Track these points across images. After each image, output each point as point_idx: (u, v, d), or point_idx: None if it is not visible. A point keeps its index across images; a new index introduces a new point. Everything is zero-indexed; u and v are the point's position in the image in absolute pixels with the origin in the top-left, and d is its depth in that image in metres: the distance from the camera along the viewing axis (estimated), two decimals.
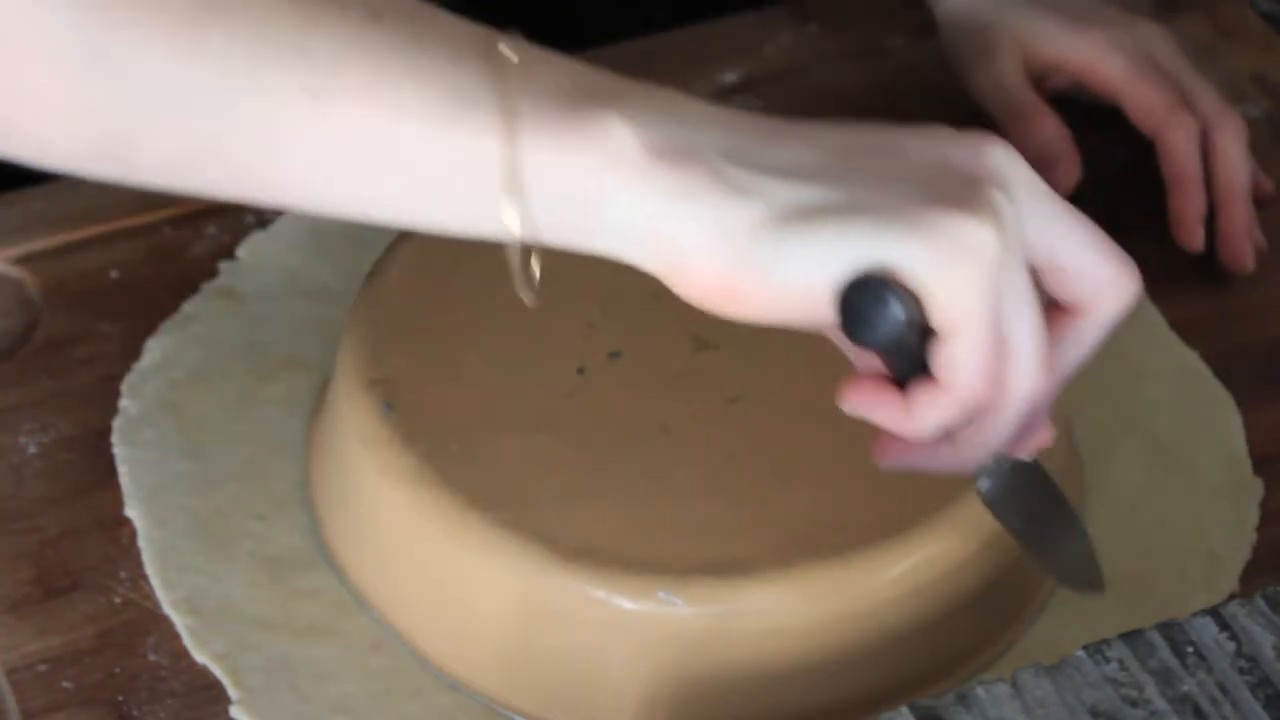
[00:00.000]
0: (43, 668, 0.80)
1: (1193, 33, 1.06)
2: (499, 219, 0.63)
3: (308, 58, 0.62)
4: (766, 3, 1.08)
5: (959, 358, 0.64)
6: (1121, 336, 0.91)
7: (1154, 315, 0.93)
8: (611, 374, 0.82)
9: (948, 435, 0.67)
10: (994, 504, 0.72)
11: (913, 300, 0.64)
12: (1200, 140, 0.94)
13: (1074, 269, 0.67)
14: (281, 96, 0.62)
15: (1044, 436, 0.70)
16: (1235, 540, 0.85)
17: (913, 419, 0.66)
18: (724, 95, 1.03)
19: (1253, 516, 0.86)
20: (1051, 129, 0.95)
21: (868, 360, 0.68)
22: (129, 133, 0.63)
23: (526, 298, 0.65)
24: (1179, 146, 0.93)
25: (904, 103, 1.03)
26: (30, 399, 0.89)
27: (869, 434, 0.80)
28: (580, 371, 0.82)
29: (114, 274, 0.94)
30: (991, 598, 0.80)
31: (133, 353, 0.90)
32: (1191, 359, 0.91)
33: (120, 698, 0.79)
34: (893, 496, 0.78)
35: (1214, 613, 0.73)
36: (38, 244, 0.94)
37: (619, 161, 0.62)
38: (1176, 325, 0.93)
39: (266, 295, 0.92)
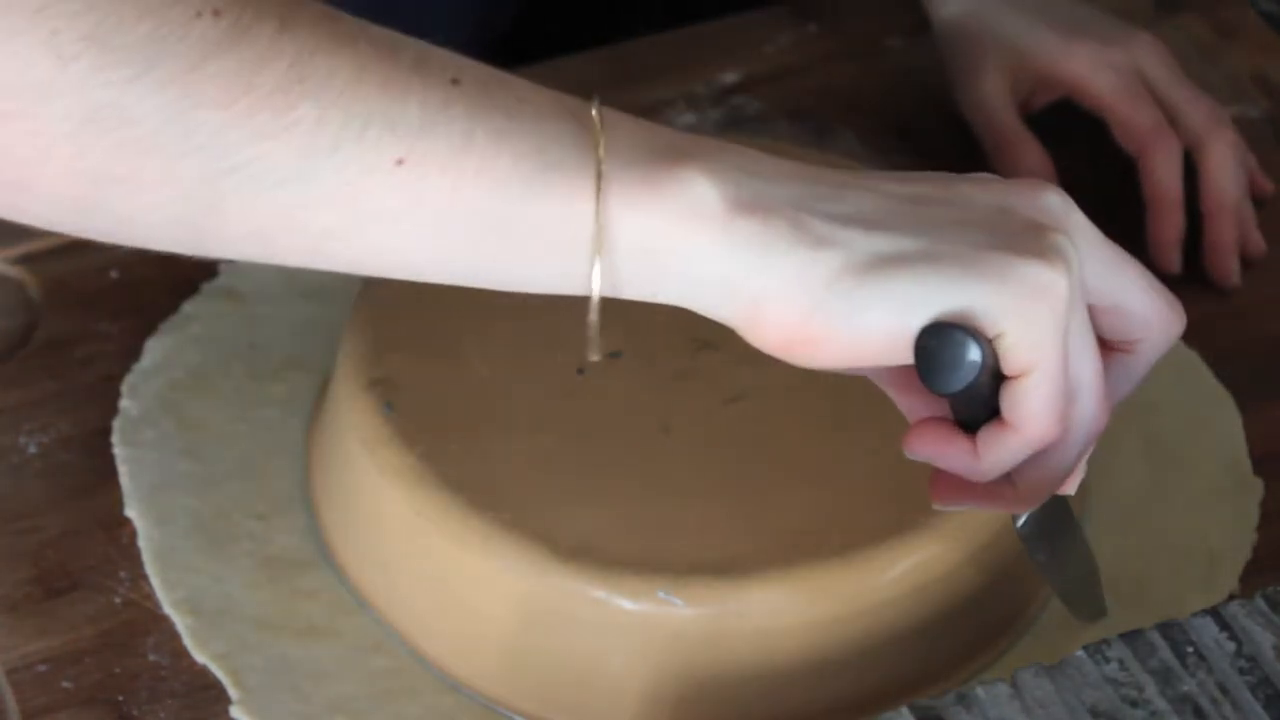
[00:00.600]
0: (43, 668, 0.80)
1: (1193, 33, 1.06)
2: (581, 276, 0.64)
3: (394, 127, 0.62)
4: (766, 3, 1.08)
5: (1033, 399, 0.65)
6: None
7: None
8: (611, 374, 0.82)
9: (1007, 476, 0.69)
10: (1029, 540, 0.73)
11: (988, 345, 0.65)
12: (1191, 153, 0.95)
13: (1128, 309, 0.68)
14: (369, 168, 0.62)
15: (1081, 471, 0.71)
16: (1235, 540, 0.85)
17: (982, 461, 0.67)
18: (724, 95, 1.03)
19: (1253, 516, 0.86)
20: (1034, 160, 0.96)
21: (914, 403, 0.69)
22: (212, 208, 0.62)
23: (595, 354, 0.67)
24: (1160, 169, 0.94)
25: (904, 103, 1.03)
26: (30, 399, 0.89)
27: (869, 435, 0.80)
28: (580, 371, 0.82)
29: (114, 274, 0.94)
30: (991, 598, 0.80)
31: (133, 353, 0.90)
32: (1191, 359, 0.91)
33: (120, 698, 0.79)
34: (893, 496, 0.78)
35: (1214, 613, 0.73)
36: (38, 244, 0.94)
37: (701, 215, 0.64)
38: None
39: (266, 295, 0.92)
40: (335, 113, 0.61)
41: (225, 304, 0.92)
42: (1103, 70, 0.95)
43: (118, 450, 0.87)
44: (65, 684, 0.80)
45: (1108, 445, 0.87)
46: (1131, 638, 0.72)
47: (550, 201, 0.63)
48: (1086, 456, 0.70)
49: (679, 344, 0.83)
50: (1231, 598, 0.80)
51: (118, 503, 0.85)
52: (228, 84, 0.60)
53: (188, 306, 0.92)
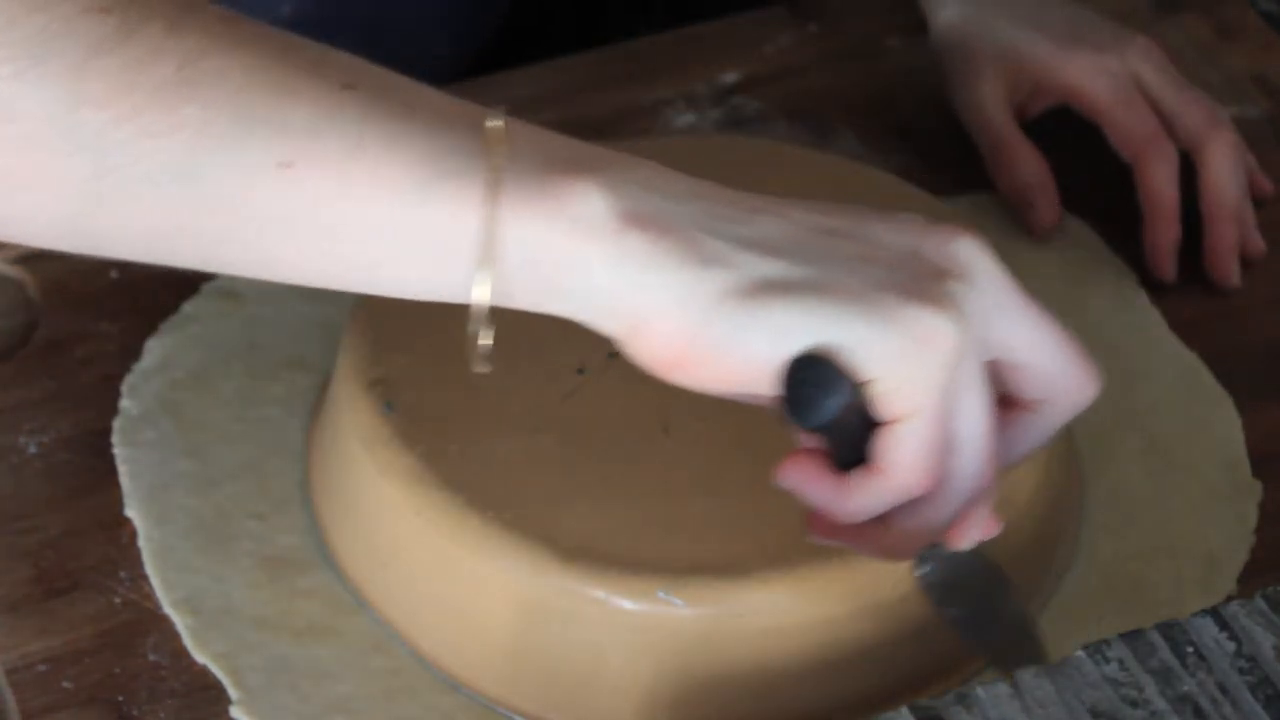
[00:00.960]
0: (43, 668, 0.80)
1: (1193, 33, 1.06)
2: (471, 285, 0.64)
3: (283, 130, 0.62)
4: (766, 3, 1.08)
5: (901, 448, 0.65)
6: (1121, 336, 0.92)
7: (1154, 315, 0.93)
8: (611, 374, 0.82)
9: (882, 521, 0.67)
10: (933, 592, 0.72)
11: (858, 386, 0.64)
12: (1190, 155, 0.94)
13: (1033, 367, 0.67)
14: (256, 169, 0.62)
15: (988, 529, 0.70)
16: (1233, 541, 0.85)
17: (847, 502, 0.67)
18: (724, 95, 1.03)
19: (1251, 518, 0.85)
20: (1030, 166, 0.95)
21: (800, 433, 0.68)
22: (100, 208, 0.62)
23: (480, 366, 0.66)
24: (1156, 176, 0.94)
25: (903, 103, 1.03)
26: (30, 399, 0.89)
27: None
28: (580, 371, 0.82)
29: (114, 274, 0.94)
30: None
31: (133, 353, 0.90)
32: (1191, 359, 0.91)
33: (120, 698, 0.79)
34: None
35: (1214, 613, 0.73)
36: None
37: (591, 227, 0.63)
38: (1176, 325, 0.93)
39: (266, 295, 0.92)
40: (222, 114, 0.61)
41: (225, 304, 0.92)
42: (1098, 76, 0.95)
43: (118, 450, 0.87)
44: (65, 684, 0.80)
45: (1108, 445, 0.88)
46: (1131, 638, 0.72)
47: (440, 209, 0.63)
48: (985, 512, 0.69)
49: None
50: (1230, 599, 0.80)
51: (118, 503, 0.85)
52: (112, 82, 0.60)
53: (188, 306, 0.92)
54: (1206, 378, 0.91)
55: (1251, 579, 0.83)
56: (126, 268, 0.94)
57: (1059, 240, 0.96)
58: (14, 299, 0.94)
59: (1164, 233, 0.94)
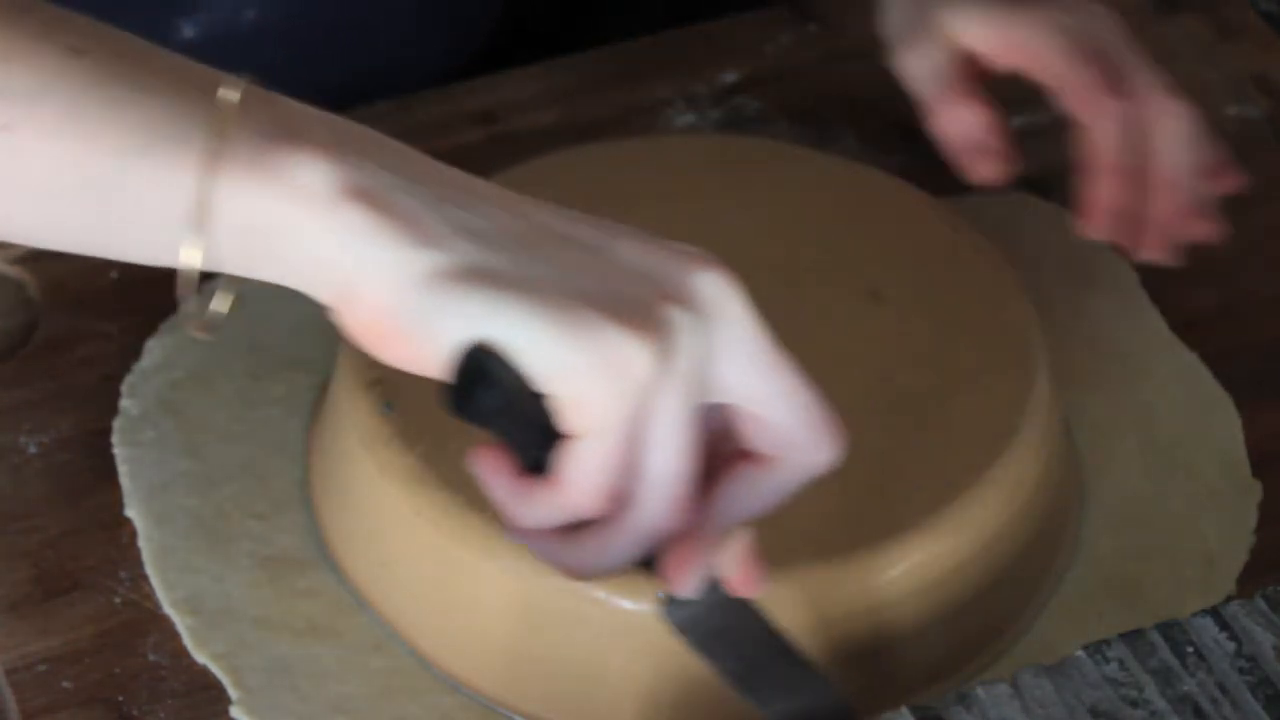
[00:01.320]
0: (43, 668, 0.80)
1: (1193, 33, 1.06)
2: (183, 250, 0.64)
3: (2, 94, 0.62)
4: (766, 3, 1.08)
5: (574, 464, 0.63)
6: (1121, 336, 0.92)
7: (1154, 315, 0.93)
8: None
9: (565, 534, 0.65)
10: (686, 633, 0.69)
11: (535, 392, 0.62)
12: (1143, 125, 0.89)
13: (766, 419, 0.65)
14: None
15: (744, 585, 0.68)
16: (1232, 542, 0.85)
17: (520, 505, 0.65)
18: (724, 95, 1.03)
19: (1250, 518, 0.86)
20: (977, 114, 0.91)
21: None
22: None
23: (196, 332, 0.66)
24: (1107, 134, 0.88)
25: (904, 103, 1.03)
26: (30, 399, 0.89)
27: (869, 435, 0.80)
28: None
29: (114, 274, 0.94)
30: (991, 598, 0.80)
31: (133, 353, 0.90)
32: (1191, 359, 0.91)
33: (120, 698, 0.79)
34: (893, 496, 0.78)
35: (1214, 613, 0.73)
36: None
37: (309, 197, 0.62)
38: (1176, 325, 0.93)
39: (266, 295, 0.92)
40: None
41: None
42: (1051, 34, 0.90)
43: (118, 450, 0.87)
44: (65, 684, 0.80)
45: (1107, 445, 0.88)
46: (1131, 638, 0.72)
47: (156, 173, 0.63)
48: (697, 554, 0.66)
49: None
50: (1230, 599, 0.80)
51: (118, 503, 0.85)
52: None
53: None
54: (1206, 378, 0.91)
55: (1251, 579, 0.83)
56: (126, 268, 0.94)
57: (1059, 240, 0.96)
58: (14, 299, 0.94)
59: (1103, 189, 0.88)
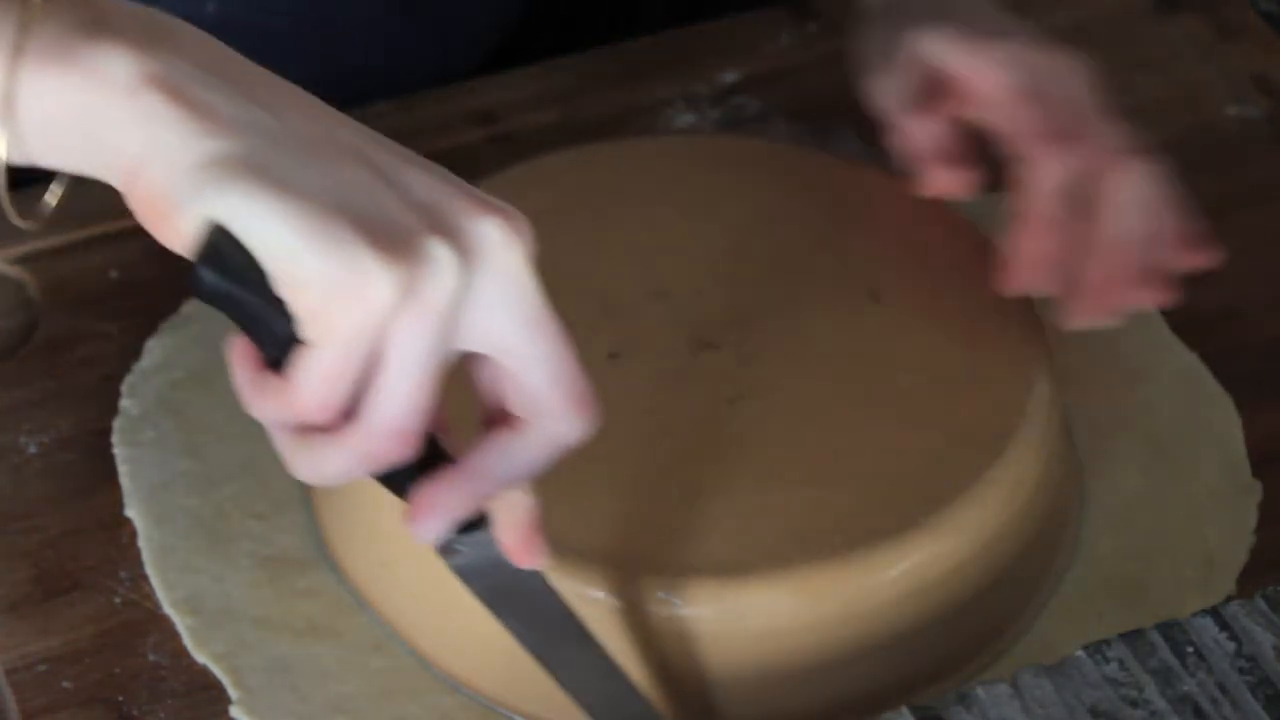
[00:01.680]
0: (43, 668, 0.80)
1: (1193, 33, 1.06)
2: None
3: None
4: (766, 2, 1.08)
5: (301, 369, 0.63)
6: (1121, 336, 0.92)
7: (1154, 315, 0.93)
8: (612, 374, 0.82)
9: (297, 432, 0.66)
10: (467, 581, 0.70)
11: (278, 296, 0.62)
12: (1097, 181, 0.83)
13: (520, 379, 0.65)
14: None
15: (522, 552, 0.69)
16: (1232, 542, 0.85)
17: (254, 396, 0.65)
18: (724, 95, 1.03)
19: (1250, 518, 0.86)
20: (936, 126, 0.87)
21: None
22: None
23: (22, 224, 0.66)
24: (1042, 181, 0.83)
25: None
26: (30, 399, 0.89)
27: (869, 435, 0.80)
28: None
29: (114, 274, 0.94)
30: (991, 598, 0.80)
31: (133, 353, 0.90)
32: (1191, 359, 0.91)
33: (120, 698, 0.79)
34: (892, 496, 0.78)
35: (1214, 613, 0.73)
36: (38, 244, 0.94)
37: (110, 86, 0.63)
38: (1176, 325, 0.93)
39: None
40: None
41: None
42: (1000, 69, 0.85)
43: (118, 450, 0.87)
44: (65, 684, 0.80)
45: (1107, 445, 0.88)
46: (1131, 638, 0.72)
47: None
48: (520, 531, 0.67)
49: (679, 344, 0.83)
50: (1230, 599, 0.80)
51: (118, 503, 0.85)
52: None
53: (188, 307, 0.92)
54: (1206, 378, 0.91)
55: (1251, 579, 0.83)
56: (127, 268, 0.94)
57: None
58: (14, 299, 0.94)
59: (1033, 239, 0.84)
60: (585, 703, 0.75)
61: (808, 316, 0.84)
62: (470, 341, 0.64)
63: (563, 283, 0.85)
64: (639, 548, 0.77)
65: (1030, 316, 0.85)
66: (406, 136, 1.02)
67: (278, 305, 0.62)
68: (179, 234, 0.63)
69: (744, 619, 0.76)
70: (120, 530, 0.85)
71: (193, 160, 0.62)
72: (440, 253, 0.62)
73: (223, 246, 0.62)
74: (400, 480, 0.67)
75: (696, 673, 0.77)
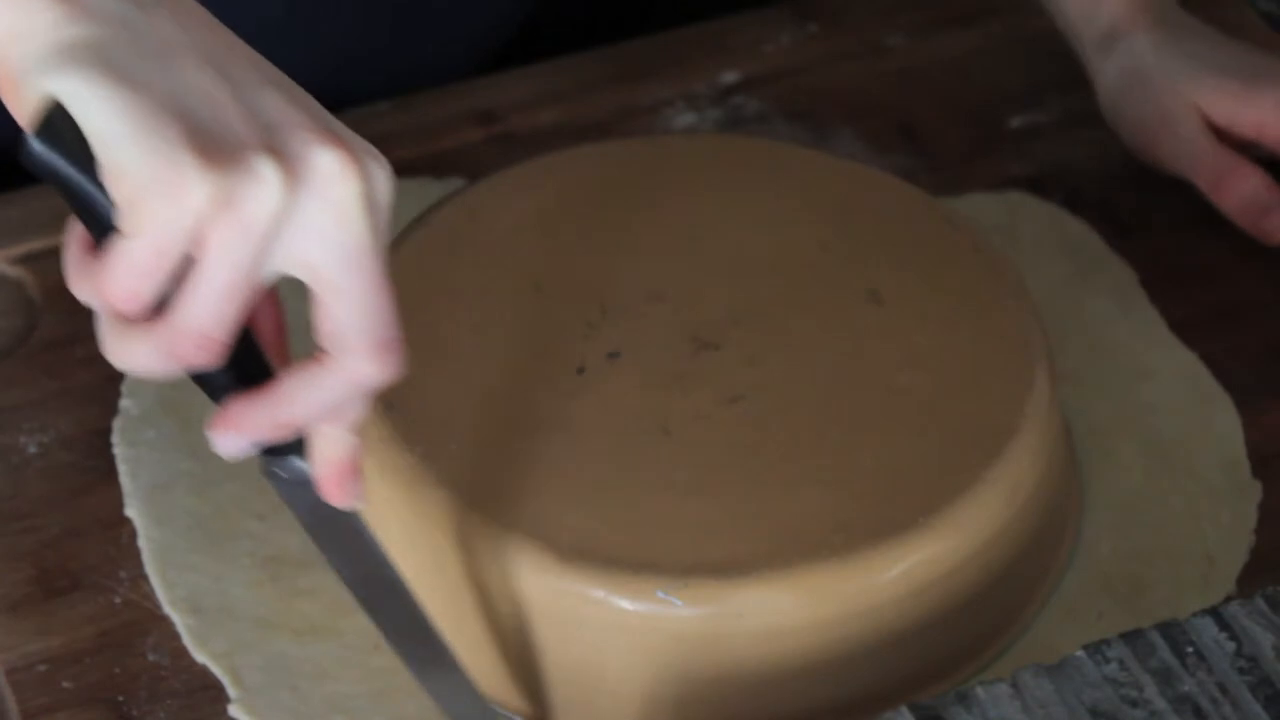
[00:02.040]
0: (43, 668, 0.80)
1: None
2: None
3: None
4: (766, 2, 1.08)
5: (114, 260, 0.65)
6: (1121, 336, 0.92)
7: (1154, 315, 0.93)
8: (611, 374, 0.82)
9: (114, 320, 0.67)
10: (293, 509, 0.72)
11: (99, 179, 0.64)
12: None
13: (330, 311, 0.66)
14: None
15: (331, 488, 0.70)
16: (1232, 542, 0.85)
17: (77, 278, 0.67)
18: (724, 95, 1.03)
19: (1250, 519, 0.85)
20: (1255, 180, 0.93)
21: None
22: None
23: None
24: None
25: (904, 103, 1.03)
26: (30, 399, 0.89)
27: (869, 434, 0.80)
28: (580, 371, 0.82)
29: None
30: (991, 598, 0.80)
31: None
32: (1191, 359, 0.91)
33: (120, 698, 0.79)
34: (893, 496, 0.78)
35: (1214, 613, 0.73)
36: (38, 244, 0.94)
37: None
38: (1176, 325, 0.93)
39: None
40: None
41: None
42: None
43: (118, 450, 0.87)
44: (65, 684, 0.80)
45: (1107, 445, 0.88)
46: (1131, 638, 0.72)
47: None
48: (333, 463, 0.69)
49: (679, 344, 0.83)
50: (1229, 599, 0.80)
51: (118, 503, 0.85)
52: None
53: None
54: (1206, 378, 0.91)
55: (1251, 579, 0.83)
56: None
57: (1059, 240, 0.96)
58: (14, 299, 0.94)
59: None
60: (402, 653, 0.76)
61: (808, 316, 0.84)
62: (287, 265, 0.65)
63: (563, 283, 0.85)
64: (639, 548, 0.77)
65: (1030, 316, 0.85)
66: (406, 136, 1.02)
67: (104, 191, 0.64)
68: (23, 106, 0.64)
69: (744, 619, 0.76)
70: (120, 530, 0.85)
71: (49, 41, 0.64)
72: (266, 171, 0.64)
73: (58, 123, 0.63)
74: (218, 391, 0.69)
75: (697, 673, 0.77)
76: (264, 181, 0.63)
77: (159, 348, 0.66)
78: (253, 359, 0.68)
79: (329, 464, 0.70)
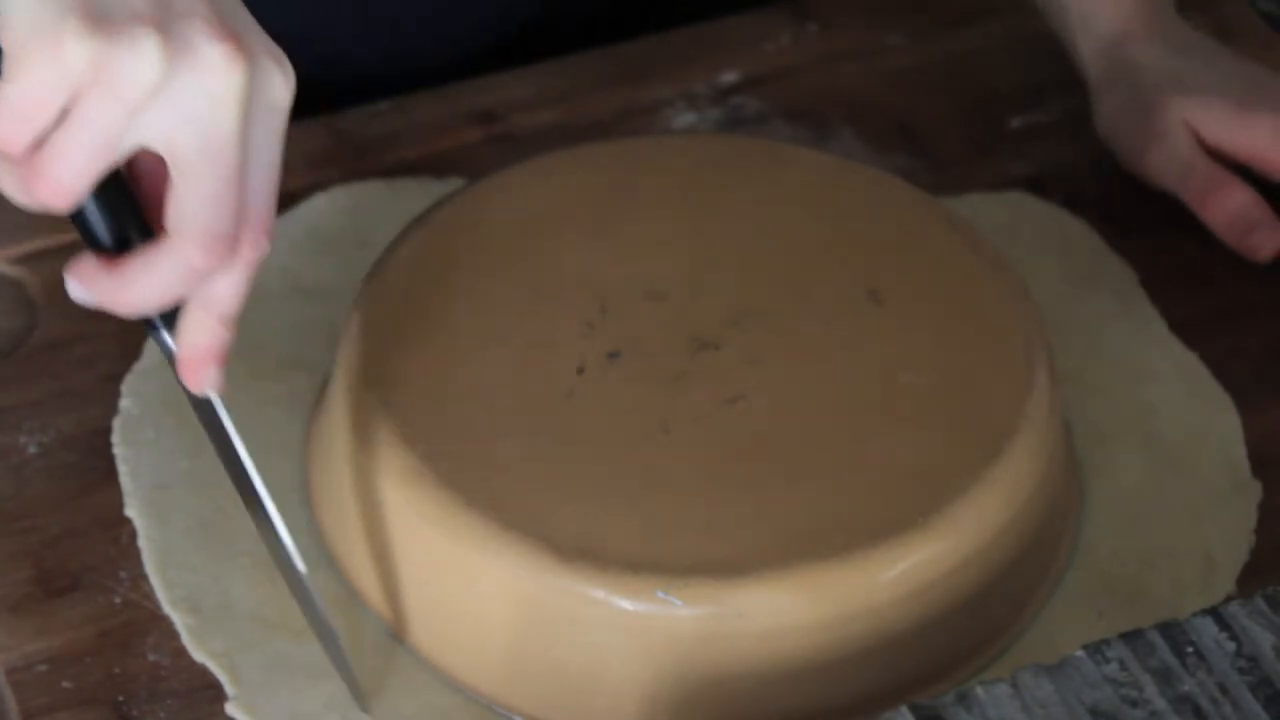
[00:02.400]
0: (43, 668, 0.80)
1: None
2: None
3: None
4: (766, 2, 1.08)
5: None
6: (1121, 337, 0.92)
7: (1154, 315, 0.93)
8: (611, 374, 0.82)
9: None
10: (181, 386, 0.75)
11: None
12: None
13: (174, 191, 0.68)
14: None
15: (186, 370, 0.73)
16: (1232, 543, 0.85)
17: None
18: (724, 95, 1.03)
19: (1250, 519, 0.85)
20: (1242, 196, 0.93)
21: None
22: None
23: None
24: None
25: (904, 103, 1.03)
26: (30, 399, 0.89)
27: (869, 435, 0.80)
28: (580, 371, 0.82)
29: None
30: (991, 598, 0.80)
31: (133, 353, 0.90)
32: (1191, 359, 0.91)
33: (120, 698, 0.79)
34: (893, 496, 0.78)
35: (1214, 613, 0.73)
36: (38, 244, 0.94)
37: None
38: (1176, 325, 0.93)
39: (266, 295, 0.92)
40: None
41: None
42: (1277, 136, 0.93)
43: (118, 450, 0.87)
44: (65, 684, 0.80)
45: (1107, 445, 0.88)
46: (1131, 638, 0.72)
47: None
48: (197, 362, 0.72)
49: (679, 344, 0.83)
50: (1229, 599, 0.80)
51: (118, 503, 0.85)
52: None
53: None
54: (1206, 378, 0.91)
55: (1251, 579, 0.83)
56: None
57: (1059, 240, 0.96)
58: (14, 299, 0.94)
59: None
60: (267, 544, 0.78)
61: (808, 316, 0.84)
62: (151, 139, 0.67)
63: (563, 282, 0.85)
64: (639, 548, 0.77)
65: (1030, 317, 0.85)
66: (406, 136, 1.02)
67: None
68: None
69: (744, 619, 0.76)
70: (120, 530, 0.85)
71: None
72: (147, 45, 0.66)
73: None
74: (90, 243, 0.71)
75: (696, 673, 0.77)
76: (142, 55, 0.65)
77: (19, 183, 0.68)
78: (127, 217, 0.71)
79: (188, 347, 0.72)
